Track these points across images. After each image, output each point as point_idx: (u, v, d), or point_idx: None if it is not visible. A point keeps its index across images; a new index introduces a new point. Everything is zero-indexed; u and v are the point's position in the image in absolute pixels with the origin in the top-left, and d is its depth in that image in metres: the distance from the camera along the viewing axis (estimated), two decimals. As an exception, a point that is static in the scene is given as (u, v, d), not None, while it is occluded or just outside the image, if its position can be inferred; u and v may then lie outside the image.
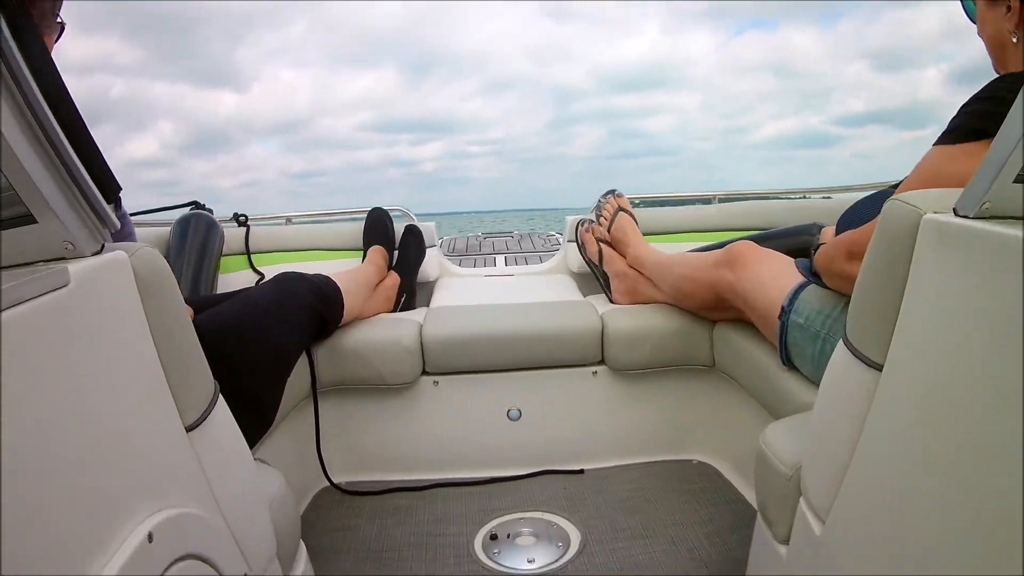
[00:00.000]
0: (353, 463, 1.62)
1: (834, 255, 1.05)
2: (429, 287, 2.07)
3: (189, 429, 0.70)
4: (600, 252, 1.84)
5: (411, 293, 1.91)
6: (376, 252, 1.89)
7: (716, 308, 1.48)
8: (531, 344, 1.57)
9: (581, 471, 1.61)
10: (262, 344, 1.19)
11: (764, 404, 1.32)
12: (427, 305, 1.90)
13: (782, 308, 1.18)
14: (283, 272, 1.39)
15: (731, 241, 1.60)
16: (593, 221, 1.95)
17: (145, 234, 1.86)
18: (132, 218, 1.38)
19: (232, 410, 0.82)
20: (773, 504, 0.93)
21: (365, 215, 2.13)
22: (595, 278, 1.90)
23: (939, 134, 0.94)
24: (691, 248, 1.84)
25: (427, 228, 2.07)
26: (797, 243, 1.52)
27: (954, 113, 0.92)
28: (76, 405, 0.54)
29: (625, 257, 1.80)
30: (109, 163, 0.78)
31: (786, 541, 0.90)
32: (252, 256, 2.01)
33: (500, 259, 2.53)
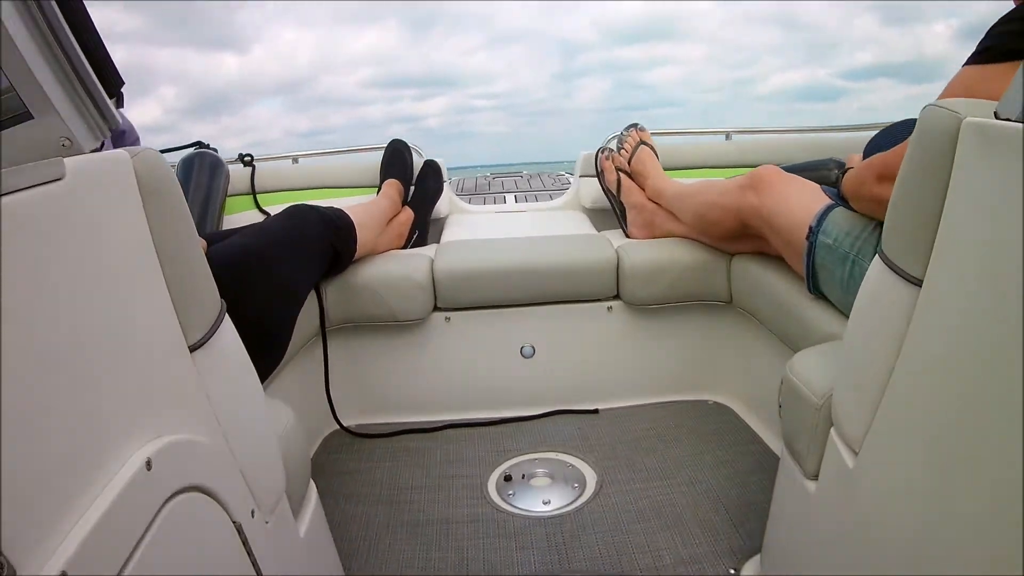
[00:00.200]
0: (363, 404, 1.60)
1: (864, 177, 1.00)
2: (439, 224, 2.03)
3: (193, 348, 0.66)
4: (619, 182, 1.78)
5: (424, 230, 1.86)
6: (391, 186, 1.84)
7: (738, 236, 1.42)
8: (545, 278, 1.53)
9: (596, 411, 1.58)
10: (273, 276, 1.15)
11: (784, 338, 1.27)
12: (438, 242, 1.86)
13: (810, 228, 1.13)
14: (294, 204, 1.35)
15: None
16: (613, 150, 1.89)
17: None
18: None
19: None
20: (802, 436, 0.87)
21: (375, 150, 2.07)
22: (611, 210, 1.84)
23: (946, 84, 0.90)
24: None
25: (440, 164, 2.02)
26: (816, 176, 1.47)
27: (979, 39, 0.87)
28: (70, 310, 0.49)
29: (644, 190, 1.74)
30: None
31: (815, 476, 0.85)
32: (258, 196, 1.96)
33: (510, 197, 2.48)
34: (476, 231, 1.87)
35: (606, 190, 1.84)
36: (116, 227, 0.58)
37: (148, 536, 0.50)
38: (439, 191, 1.97)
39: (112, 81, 0.62)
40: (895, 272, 0.66)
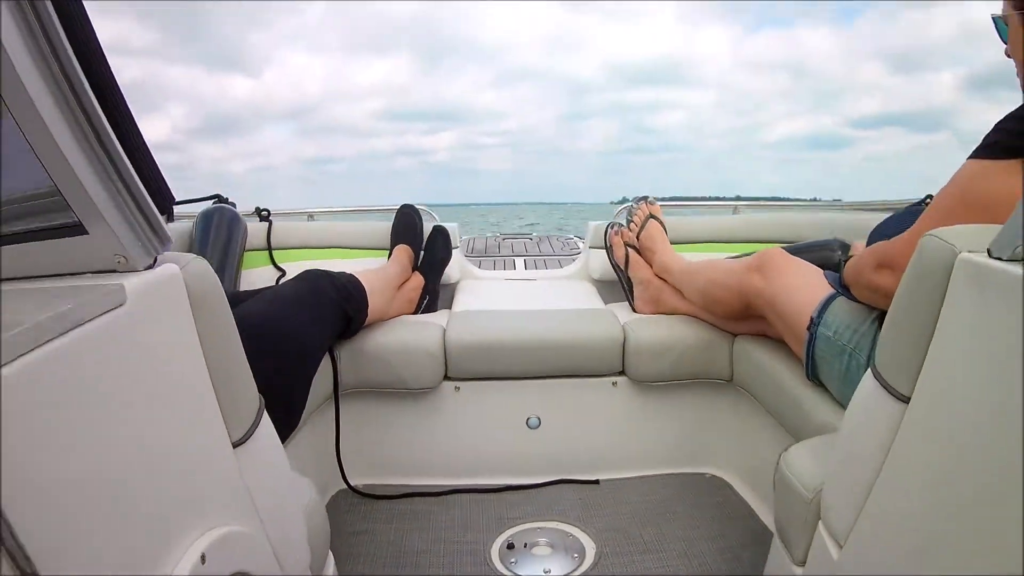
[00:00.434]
0: (370, 465, 1.63)
1: (864, 265, 1.05)
2: (450, 289, 2.07)
3: (236, 445, 0.70)
4: (627, 257, 1.85)
5: (434, 295, 1.91)
6: (402, 251, 1.89)
7: (741, 317, 1.48)
8: (553, 352, 1.58)
9: (596, 481, 1.62)
10: (290, 342, 1.20)
11: (782, 421, 1.32)
12: (448, 307, 1.91)
13: (811, 319, 1.18)
14: (309, 269, 1.40)
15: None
16: (623, 225, 1.95)
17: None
18: None
19: None
20: (792, 526, 0.93)
21: (387, 212, 2.12)
22: (618, 283, 1.90)
23: (954, 139, 0.94)
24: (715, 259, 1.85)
25: (450, 229, 2.07)
26: (819, 257, 1.53)
27: (980, 126, 0.92)
28: (130, 424, 0.53)
29: (651, 265, 1.81)
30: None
31: (803, 563, 0.91)
32: (274, 252, 2.01)
33: (519, 262, 2.53)
34: (487, 299, 1.92)
35: (615, 265, 1.90)
36: (170, 339, 0.62)
37: None
38: (448, 257, 2.02)
39: (164, 196, 0.66)
40: (884, 388, 0.72)
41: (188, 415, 0.63)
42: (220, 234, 1.82)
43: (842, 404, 1.13)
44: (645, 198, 2.01)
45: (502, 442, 1.64)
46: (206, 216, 1.85)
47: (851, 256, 1.20)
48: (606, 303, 1.91)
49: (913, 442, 0.68)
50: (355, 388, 1.56)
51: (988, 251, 0.59)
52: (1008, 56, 0.97)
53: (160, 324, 0.60)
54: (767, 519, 1.42)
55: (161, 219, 0.61)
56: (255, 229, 2.00)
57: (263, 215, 2.07)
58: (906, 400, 0.69)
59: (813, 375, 1.20)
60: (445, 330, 1.61)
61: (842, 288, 1.17)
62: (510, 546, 1.37)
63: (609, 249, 1.92)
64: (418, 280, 1.85)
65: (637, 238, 1.89)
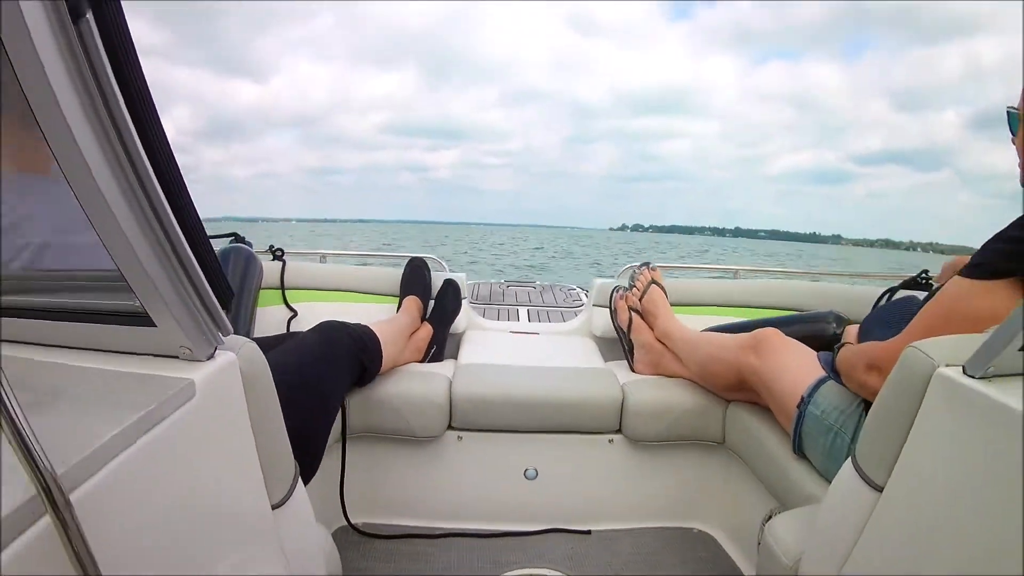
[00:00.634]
0: (372, 505, 1.68)
1: (855, 364, 1.13)
2: (457, 338, 2.14)
3: (274, 507, 0.77)
4: (631, 321, 1.92)
5: (441, 345, 1.98)
6: (412, 302, 1.97)
7: (736, 388, 1.55)
8: (554, 409, 1.64)
9: (588, 532, 1.68)
10: (314, 393, 1.26)
11: (768, 486, 1.39)
12: (455, 356, 1.98)
13: (802, 398, 1.25)
14: (327, 321, 1.47)
15: (756, 322, 1.68)
16: (626, 289, 2.03)
17: None
18: None
19: None
20: None
21: (399, 258, 2.19)
22: (619, 343, 1.98)
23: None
24: (715, 323, 1.94)
25: (458, 279, 2.14)
26: (815, 329, 1.60)
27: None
28: (192, 497, 0.60)
29: (653, 329, 1.88)
30: None
31: None
32: (286, 292, 2.07)
33: (523, 312, 2.60)
34: (492, 351, 1.98)
35: (617, 328, 1.97)
36: (227, 420, 0.68)
37: None
38: (458, 310, 2.10)
39: (224, 291, 0.67)
40: (861, 477, 0.81)
41: (238, 484, 0.70)
42: (236, 274, 1.87)
43: (824, 476, 1.20)
44: (647, 264, 2.10)
45: (500, 491, 1.70)
46: (223, 255, 1.89)
47: (844, 343, 1.27)
48: (606, 360, 1.98)
49: (884, 527, 0.76)
50: (362, 433, 1.62)
51: (963, 368, 0.67)
52: (1014, 144, 1.04)
53: (220, 410, 0.67)
54: (749, 574, 1.49)
55: (222, 313, 0.66)
56: (268, 268, 2.05)
57: (276, 254, 2.13)
58: (880, 490, 0.78)
59: (799, 449, 1.27)
60: (451, 382, 1.68)
61: (833, 372, 1.25)
62: None
63: (613, 312, 2.00)
64: (427, 330, 1.92)
65: (640, 301, 1.96)
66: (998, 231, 0.93)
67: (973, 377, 0.66)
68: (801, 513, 1.10)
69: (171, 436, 0.56)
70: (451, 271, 2.17)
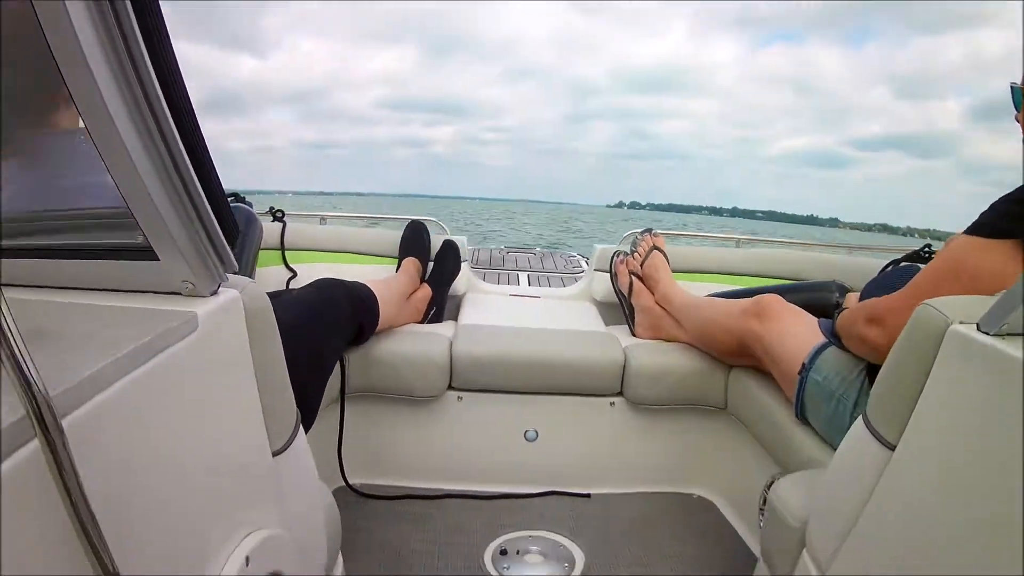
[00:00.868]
0: (370, 466, 1.68)
1: (855, 318, 1.12)
2: (457, 300, 2.12)
3: (275, 454, 0.75)
4: (631, 285, 1.91)
5: (440, 307, 1.97)
6: (411, 263, 1.96)
7: (736, 354, 1.54)
8: (556, 370, 1.63)
9: (588, 495, 1.68)
10: (307, 348, 1.24)
11: (771, 452, 1.38)
12: (454, 319, 1.96)
13: (803, 364, 1.24)
14: (324, 278, 1.45)
15: (757, 289, 1.67)
16: (627, 253, 2.02)
17: None
18: None
19: None
20: (778, 551, 1.01)
21: (398, 221, 2.17)
22: (620, 308, 1.97)
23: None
24: (716, 290, 1.92)
25: (459, 243, 2.12)
26: (817, 298, 1.59)
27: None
28: (193, 439, 0.58)
29: (653, 293, 1.87)
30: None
31: None
32: (286, 252, 2.06)
33: (523, 277, 2.58)
34: (493, 313, 1.97)
35: (618, 291, 1.97)
36: (229, 360, 0.66)
37: None
38: (457, 271, 2.08)
39: (230, 228, 0.65)
40: (873, 435, 0.79)
41: (239, 428, 0.68)
42: None
43: (827, 442, 1.20)
44: (649, 230, 2.09)
45: (500, 452, 1.69)
46: None
47: (845, 308, 1.26)
48: (607, 325, 1.97)
49: (896, 485, 0.75)
50: (361, 392, 1.61)
51: (977, 325, 0.66)
52: (1018, 121, 1.03)
53: (222, 347, 0.65)
54: (750, 541, 1.49)
55: (228, 248, 0.64)
56: (268, 229, 2.03)
57: (277, 215, 2.11)
58: (892, 448, 0.76)
59: (801, 415, 1.27)
60: (452, 342, 1.67)
61: (834, 338, 1.24)
62: (503, 552, 1.42)
63: (614, 276, 2.00)
64: (426, 291, 1.91)
65: (641, 266, 1.95)
66: (1006, 192, 0.93)
67: (987, 334, 0.64)
68: (806, 476, 1.09)
69: (171, 369, 0.54)
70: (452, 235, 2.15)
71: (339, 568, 1.05)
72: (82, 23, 0.46)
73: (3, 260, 0.64)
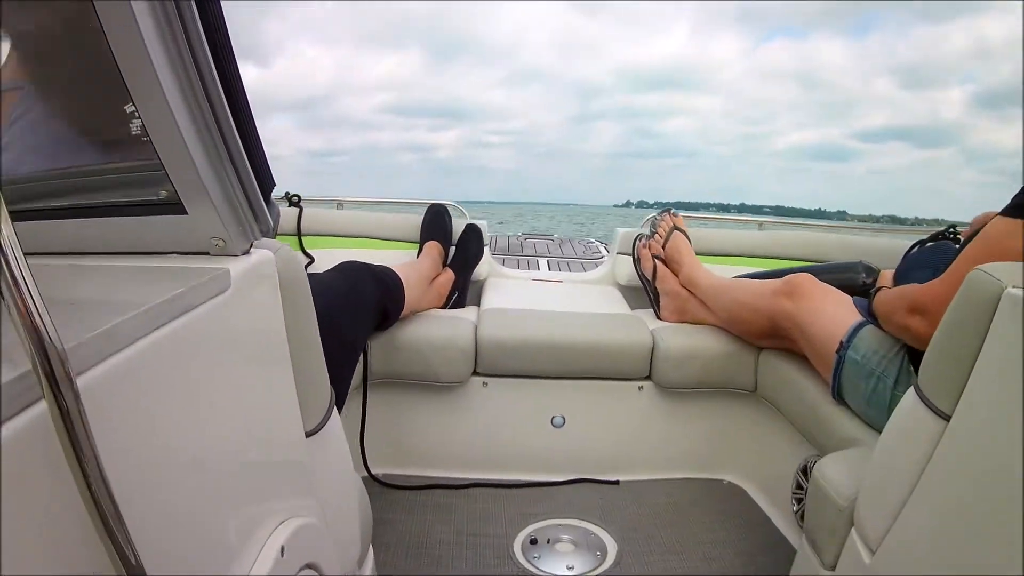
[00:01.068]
0: (393, 455, 1.65)
1: (896, 307, 1.08)
2: (478, 285, 2.08)
3: (308, 435, 0.70)
4: (655, 269, 1.88)
5: (463, 291, 1.93)
6: (433, 247, 1.92)
7: (767, 336, 1.50)
8: (583, 354, 1.60)
9: (617, 482, 1.65)
10: (335, 333, 1.18)
11: (805, 433, 1.35)
12: (476, 304, 1.93)
13: (841, 343, 1.20)
14: (349, 261, 1.42)
15: (783, 271, 1.63)
16: (649, 236, 1.98)
17: None
18: None
19: None
20: (823, 532, 0.97)
21: (416, 206, 2.14)
22: (644, 292, 1.93)
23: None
24: (741, 272, 1.88)
25: (481, 226, 2.08)
26: (844, 279, 1.54)
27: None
28: (223, 413, 0.53)
29: (677, 276, 1.83)
30: None
31: (832, 567, 0.95)
32: (303, 238, 2.03)
33: (543, 262, 2.55)
34: (516, 298, 1.93)
35: (641, 276, 1.93)
36: (262, 326, 0.61)
37: None
38: (480, 254, 2.04)
39: (266, 181, 0.61)
40: (927, 405, 0.75)
41: (272, 404, 0.63)
42: None
43: (866, 422, 1.17)
44: (668, 209, 2.04)
45: (526, 439, 1.66)
46: None
47: (880, 288, 1.22)
48: (632, 309, 1.93)
49: (951, 457, 0.71)
50: (384, 378, 1.58)
51: None
52: None
53: (255, 311, 0.60)
54: (782, 527, 1.45)
55: (264, 204, 0.59)
56: (284, 214, 2.00)
57: (293, 200, 2.08)
58: (947, 418, 0.73)
59: (838, 395, 1.23)
60: (476, 326, 1.63)
61: (869, 316, 1.21)
62: (533, 541, 1.39)
63: (637, 261, 1.96)
64: (449, 275, 1.87)
65: (663, 248, 1.91)
66: (1012, 180, 0.90)
67: None
68: (850, 455, 1.05)
69: (199, 330, 0.49)
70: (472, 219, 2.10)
71: (369, 562, 1.02)
72: None
73: (15, 225, 0.59)
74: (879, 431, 0.91)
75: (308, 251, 2.01)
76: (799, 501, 1.33)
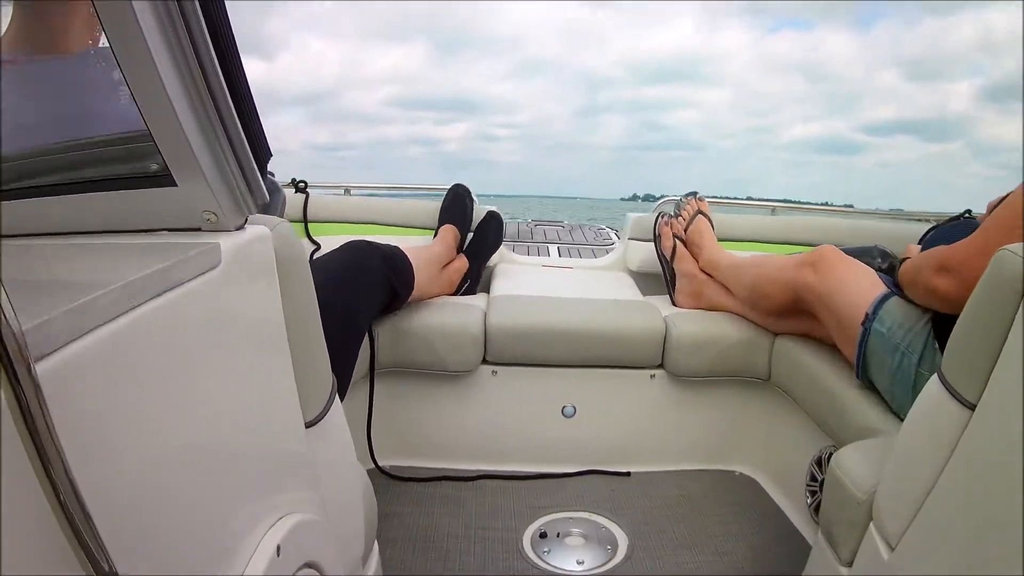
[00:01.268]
0: (400, 447, 1.62)
1: (923, 267, 1.04)
2: (488, 272, 2.04)
3: (308, 426, 0.67)
4: (675, 248, 1.84)
5: (475, 279, 1.88)
6: (449, 231, 1.86)
7: (788, 312, 1.47)
8: (594, 342, 1.57)
9: (628, 473, 1.62)
10: (338, 313, 1.16)
11: (820, 423, 1.31)
12: (486, 290, 1.89)
13: (866, 315, 1.16)
14: (355, 240, 1.38)
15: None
16: (672, 216, 1.95)
17: None
18: None
19: None
20: (841, 525, 0.93)
21: (426, 194, 2.09)
22: (657, 276, 1.90)
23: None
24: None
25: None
26: None
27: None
28: (214, 398, 0.49)
29: (697, 260, 1.80)
30: None
31: (849, 564, 0.91)
32: (309, 224, 1.98)
33: (553, 249, 2.52)
34: (526, 284, 1.89)
35: (660, 255, 1.89)
36: (257, 306, 0.57)
37: None
38: (497, 244, 1.98)
39: (261, 152, 0.57)
40: (951, 393, 0.72)
41: (268, 391, 0.59)
42: None
43: (890, 403, 1.13)
44: (694, 193, 2.00)
45: (536, 429, 1.63)
46: None
47: (906, 258, 1.19)
48: (644, 295, 1.90)
49: (977, 448, 0.68)
50: (391, 367, 1.55)
51: None
52: None
53: (249, 290, 0.56)
54: (795, 519, 1.43)
55: (259, 175, 0.55)
56: (290, 200, 1.95)
57: (299, 187, 2.03)
58: (972, 407, 0.69)
59: (863, 373, 1.19)
60: (486, 313, 1.60)
61: (895, 288, 1.17)
62: (542, 535, 1.37)
63: (657, 239, 1.92)
64: (462, 262, 1.83)
65: (685, 231, 1.88)
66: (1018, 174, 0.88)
67: None
68: (869, 445, 1.01)
69: (186, 309, 0.45)
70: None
71: (375, 558, 0.98)
72: None
73: None
74: (902, 414, 0.87)
75: (314, 238, 1.96)
76: (813, 493, 1.30)
